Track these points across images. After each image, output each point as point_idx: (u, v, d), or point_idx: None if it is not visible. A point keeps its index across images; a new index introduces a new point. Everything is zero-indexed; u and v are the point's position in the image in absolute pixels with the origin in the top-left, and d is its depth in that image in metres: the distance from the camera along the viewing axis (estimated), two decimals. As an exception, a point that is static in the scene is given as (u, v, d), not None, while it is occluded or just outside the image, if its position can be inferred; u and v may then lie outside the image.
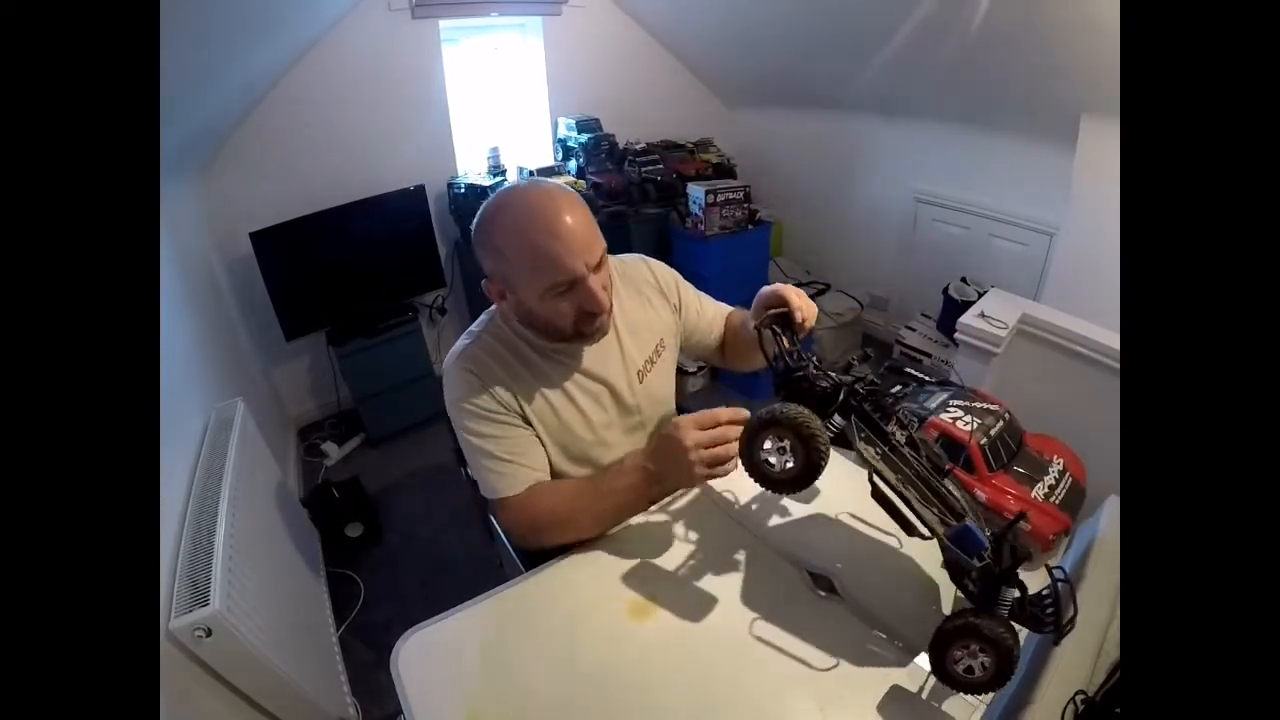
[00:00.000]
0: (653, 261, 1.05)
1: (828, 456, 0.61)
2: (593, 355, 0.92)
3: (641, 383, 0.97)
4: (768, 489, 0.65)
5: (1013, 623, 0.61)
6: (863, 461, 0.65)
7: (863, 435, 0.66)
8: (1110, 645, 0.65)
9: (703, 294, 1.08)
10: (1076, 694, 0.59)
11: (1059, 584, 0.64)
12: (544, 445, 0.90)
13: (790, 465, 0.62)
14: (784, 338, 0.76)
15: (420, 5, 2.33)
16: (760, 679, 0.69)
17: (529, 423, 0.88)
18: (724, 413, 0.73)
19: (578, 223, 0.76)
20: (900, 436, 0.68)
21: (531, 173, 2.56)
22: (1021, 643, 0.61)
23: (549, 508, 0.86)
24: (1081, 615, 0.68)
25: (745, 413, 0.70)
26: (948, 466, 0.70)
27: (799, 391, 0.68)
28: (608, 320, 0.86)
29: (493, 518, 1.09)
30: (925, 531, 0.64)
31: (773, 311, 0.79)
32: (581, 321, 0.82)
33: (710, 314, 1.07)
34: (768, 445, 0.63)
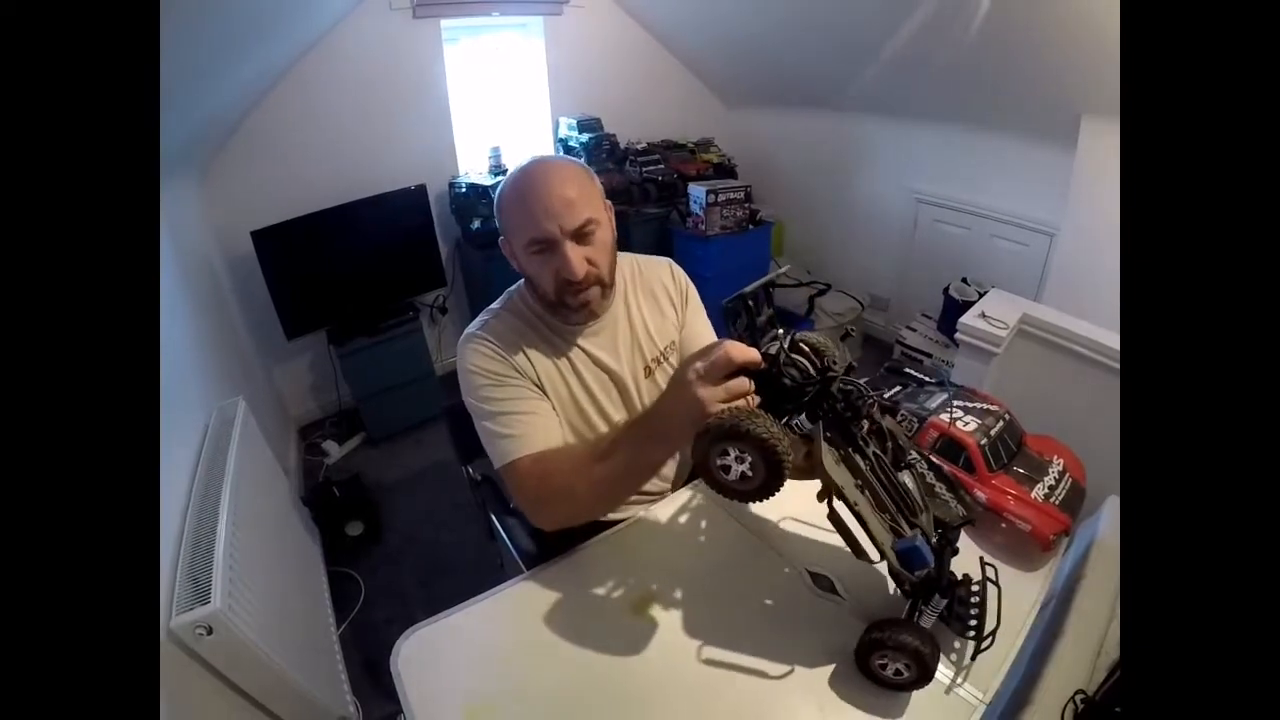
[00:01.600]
0: (677, 269, 1.05)
1: (788, 476, 0.56)
2: (601, 344, 0.93)
3: (648, 377, 0.97)
4: (720, 494, 0.60)
5: (941, 620, 0.65)
6: (830, 479, 0.61)
7: (827, 436, 0.62)
8: (1110, 645, 0.65)
9: (710, 328, 1.04)
10: (1076, 694, 0.59)
11: (988, 584, 0.67)
12: (559, 418, 0.89)
13: (749, 477, 0.57)
14: (753, 312, 0.66)
15: (421, 5, 2.34)
16: (760, 679, 0.69)
17: (544, 393, 0.89)
18: (735, 354, 0.62)
19: (563, 190, 0.80)
20: (865, 428, 0.65)
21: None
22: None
23: (554, 472, 0.81)
24: (1081, 615, 0.68)
25: (755, 354, 0.62)
26: (909, 458, 0.69)
27: (765, 377, 0.62)
28: (597, 300, 0.87)
29: (490, 499, 1.08)
30: (874, 555, 0.62)
31: (748, 289, 0.66)
32: (561, 289, 0.84)
33: (698, 344, 0.99)
34: (728, 451, 0.57)
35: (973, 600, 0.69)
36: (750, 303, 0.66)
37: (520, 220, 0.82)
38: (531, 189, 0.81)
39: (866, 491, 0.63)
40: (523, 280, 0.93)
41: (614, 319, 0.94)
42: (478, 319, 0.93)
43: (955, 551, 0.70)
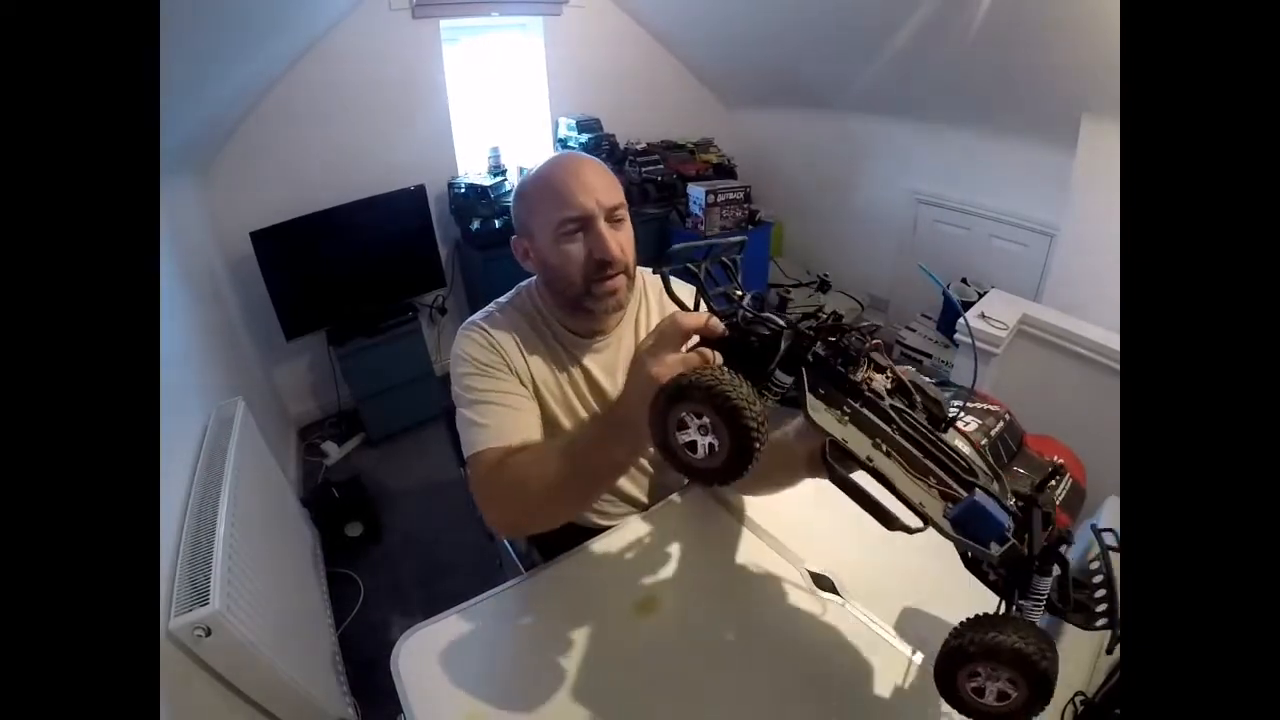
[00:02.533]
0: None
1: (764, 435, 0.45)
2: (602, 363, 0.90)
3: None
4: (693, 480, 0.52)
5: (1055, 615, 0.49)
6: (822, 430, 0.48)
7: (820, 394, 0.50)
8: (1110, 645, 0.65)
9: None
10: (1076, 695, 0.59)
11: (1108, 552, 0.50)
12: (545, 422, 0.86)
13: (715, 449, 0.46)
14: (700, 280, 0.57)
15: (420, 5, 2.34)
16: (760, 680, 0.69)
17: (537, 395, 0.86)
18: (684, 320, 0.57)
19: (596, 173, 0.82)
20: (881, 384, 0.52)
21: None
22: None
23: (512, 465, 0.75)
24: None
25: (703, 317, 0.55)
26: (950, 414, 0.54)
27: (731, 345, 0.54)
28: (624, 291, 0.84)
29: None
30: (913, 522, 0.48)
31: (680, 247, 0.57)
32: (592, 273, 0.81)
33: None
34: (685, 422, 0.47)
35: (1094, 578, 0.50)
36: (694, 267, 0.56)
37: (552, 202, 0.80)
38: (565, 171, 0.81)
39: (893, 455, 0.50)
40: (533, 279, 0.91)
41: (619, 339, 0.92)
42: (482, 310, 0.91)
43: (1048, 517, 0.51)
